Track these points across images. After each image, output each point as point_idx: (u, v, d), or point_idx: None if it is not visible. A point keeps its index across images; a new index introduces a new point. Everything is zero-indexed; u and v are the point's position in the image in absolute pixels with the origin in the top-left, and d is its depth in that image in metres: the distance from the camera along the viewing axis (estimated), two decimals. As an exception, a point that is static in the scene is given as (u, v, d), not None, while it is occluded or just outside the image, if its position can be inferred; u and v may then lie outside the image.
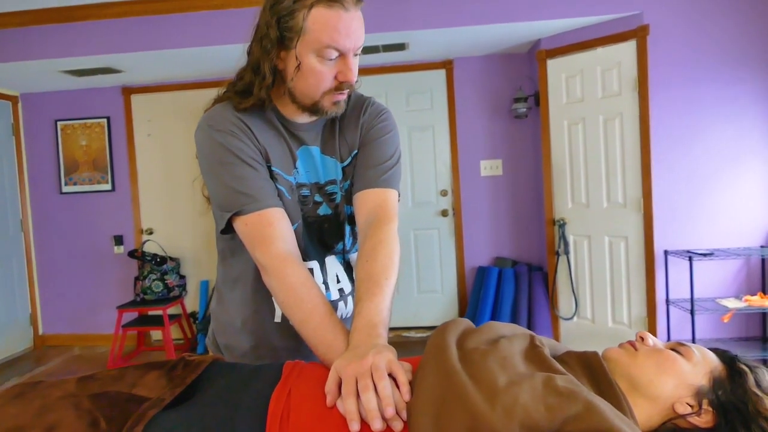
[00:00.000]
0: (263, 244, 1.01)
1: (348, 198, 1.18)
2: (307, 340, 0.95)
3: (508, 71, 4.14)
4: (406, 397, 0.75)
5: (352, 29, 0.98)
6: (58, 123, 4.48)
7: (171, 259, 4.30)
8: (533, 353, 0.84)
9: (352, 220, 1.20)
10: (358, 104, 1.18)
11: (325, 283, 1.16)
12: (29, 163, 4.55)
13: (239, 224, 1.04)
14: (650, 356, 0.86)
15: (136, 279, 4.22)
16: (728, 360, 0.87)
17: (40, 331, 4.61)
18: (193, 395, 0.87)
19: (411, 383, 0.78)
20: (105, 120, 4.45)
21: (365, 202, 1.11)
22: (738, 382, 0.84)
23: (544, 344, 0.87)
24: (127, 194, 4.49)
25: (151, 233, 4.50)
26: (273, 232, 1.02)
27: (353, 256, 1.23)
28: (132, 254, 4.25)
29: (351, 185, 1.17)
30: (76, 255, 4.55)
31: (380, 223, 1.06)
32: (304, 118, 1.12)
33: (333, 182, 1.16)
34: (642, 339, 0.90)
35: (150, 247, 4.40)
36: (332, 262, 1.19)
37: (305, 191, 1.14)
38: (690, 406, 0.82)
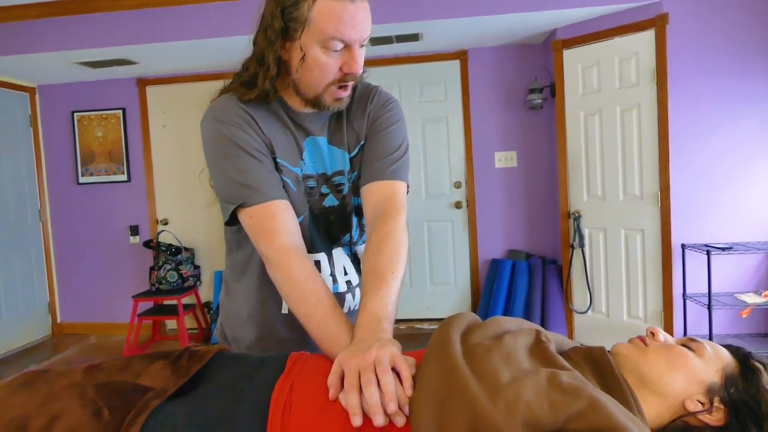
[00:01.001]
0: (267, 236, 1.00)
1: (355, 189, 1.17)
2: (311, 334, 0.95)
3: (523, 62, 4.09)
4: (409, 392, 0.74)
5: (357, 20, 0.96)
6: (75, 114, 4.52)
7: (186, 249, 4.33)
8: (538, 349, 0.82)
9: (359, 211, 1.19)
10: (365, 93, 1.17)
11: (333, 275, 1.16)
12: (47, 154, 4.61)
13: (244, 216, 1.04)
14: (660, 352, 0.84)
15: (151, 269, 4.27)
16: (741, 357, 0.85)
17: (58, 320, 4.68)
18: (197, 386, 0.87)
19: (414, 378, 0.77)
20: (120, 111, 4.48)
21: (372, 194, 1.09)
22: (751, 380, 0.81)
23: (549, 340, 0.85)
24: (142, 185, 4.53)
25: (166, 223, 4.54)
26: (277, 224, 1.01)
27: (361, 248, 1.22)
28: (147, 244, 4.29)
29: (358, 176, 1.16)
30: (92, 245, 4.60)
31: (387, 216, 1.05)
32: (310, 109, 1.11)
33: (340, 173, 1.15)
34: (653, 334, 0.88)
35: (165, 238, 4.44)
36: (339, 254, 1.18)
37: (312, 182, 1.13)
38: (701, 403, 0.80)
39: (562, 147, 3.73)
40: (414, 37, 3.74)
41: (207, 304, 4.48)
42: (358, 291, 1.20)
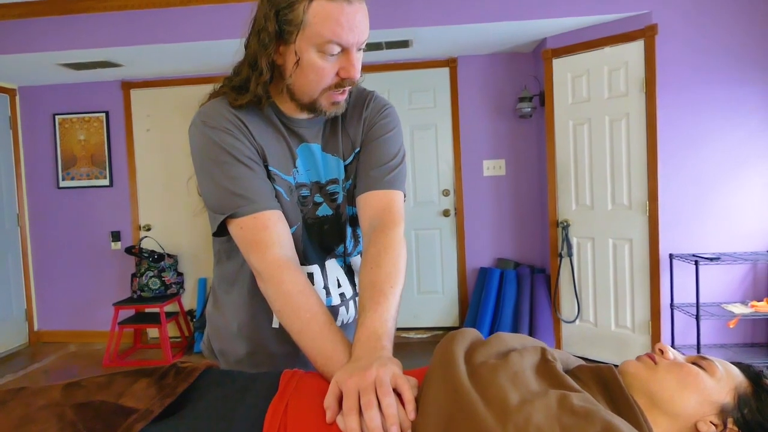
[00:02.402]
0: (258, 249, 0.96)
1: (350, 198, 1.13)
2: (305, 351, 0.90)
3: (512, 70, 4.09)
4: (412, 415, 0.70)
5: (355, 22, 0.92)
6: (56, 117, 4.42)
7: (169, 256, 4.25)
8: (545, 368, 0.79)
9: (353, 221, 1.15)
10: (361, 99, 1.13)
11: (326, 287, 1.11)
12: (26, 157, 4.50)
13: (234, 227, 0.99)
14: (671, 371, 0.81)
15: (133, 276, 4.17)
16: (753, 376, 0.82)
17: (36, 327, 4.56)
18: (184, 406, 0.82)
19: (416, 400, 0.73)
20: (103, 114, 4.40)
21: (369, 204, 1.05)
22: (764, 400, 0.79)
23: (556, 358, 0.82)
24: (125, 190, 4.43)
25: (149, 230, 4.45)
26: (269, 236, 0.96)
27: (355, 259, 1.18)
28: (129, 251, 4.20)
29: (353, 185, 1.12)
30: (72, 250, 4.49)
31: (385, 227, 1.01)
32: (304, 115, 1.07)
33: (335, 181, 1.11)
34: (661, 351, 0.85)
35: (148, 244, 4.34)
36: (333, 266, 1.14)
37: (305, 191, 1.09)
38: (714, 425, 0.77)
39: (551, 156, 3.72)
40: (404, 44, 3.72)
41: (190, 312, 4.39)
42: (351, 304, 1.16)
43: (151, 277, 4.12)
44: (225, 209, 0.98)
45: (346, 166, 1.11)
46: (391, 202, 1.05)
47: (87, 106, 4.41)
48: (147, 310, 4.21)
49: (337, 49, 0.93)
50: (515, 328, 3.81)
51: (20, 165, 4.47)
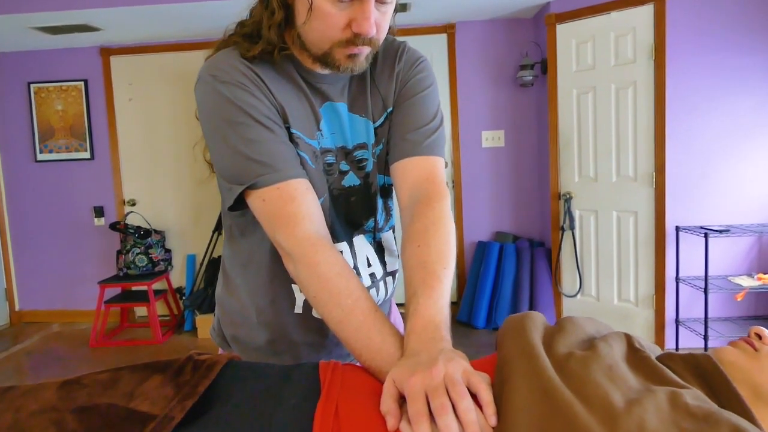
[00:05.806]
0: (286, 225, 0.82)
1: (381, 165, 0.99)
2: (347, 343, 0.77)
3: (513, 36, 3.93)
4: (492, 420, 0.58)
5: None
6: (31, 85, 4.18)
7: (155, 231, 4.07)
8: (636, 359, 0.67)
9: (385, 191, 1.02)
10: (391, 50, 0.99)
11: (356, 267, 0.98)
12: (0, 129, 4.25)
13: (254, 200, 0.85)
14: None
15: (119, 253, 4.00)
16: None
17: (17, 307, 4.38)
18: (209, 408, 0.69)
19: (496, 401, 0.61)
20: (82, 83, 4.16)
21: (408, 173, 0.92)
22: None
23: (644, 346, 0.70)
24: (107, 163, 4.23)
25: (133, 204, 4.26)
26: (297, 209, 0.82)
27: (386, 235, 1.05)
28: (114, 226, 4.02)
29: (385, 150, 0.98)
30: (53, 227, 4.30)
31: (430, 199, 0.87)
32: (326, 69, 0.92)
33: (363, 146, 0.97)
34: (759, 336, 0.74)
35: (133, 219, 4.16)
36: (362, 243, 1.01)
37: (330, 158, 0.94)
38: (830, 422, 0.67)
39: (554, 126, 3.60)
40: (402, 8, 3.54)
41: (179, 290, 4.25)
42: (382, 285, 1.04)
43: (137, 254, 3.96)
44: (243, 179, 0.84)
45: (376, 129, 0.97)
46: (434, 170, 0.92)
47: (64, 74, 4.16)
48: (134, 288, 4.07)
49: None
50: (515, 303, 3.74)
51: (-6, 137, 4.23)
